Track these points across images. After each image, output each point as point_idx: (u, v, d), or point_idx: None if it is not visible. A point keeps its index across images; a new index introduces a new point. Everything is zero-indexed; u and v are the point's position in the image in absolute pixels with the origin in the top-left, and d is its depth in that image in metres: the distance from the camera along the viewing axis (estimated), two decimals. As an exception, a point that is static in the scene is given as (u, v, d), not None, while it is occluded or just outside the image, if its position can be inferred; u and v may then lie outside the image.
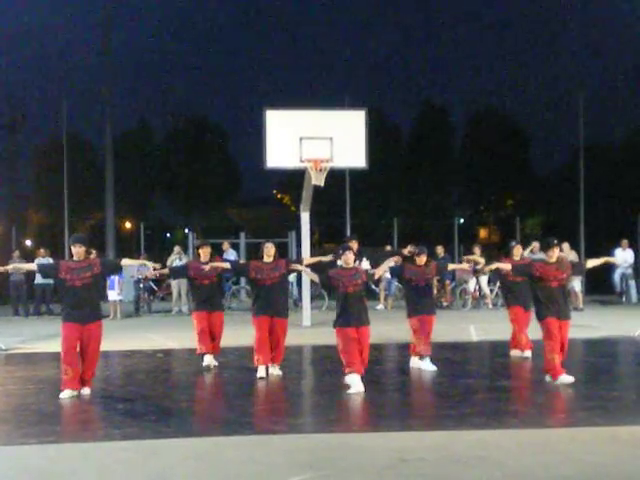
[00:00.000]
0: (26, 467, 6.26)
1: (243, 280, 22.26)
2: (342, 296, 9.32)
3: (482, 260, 11.90)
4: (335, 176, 18.96)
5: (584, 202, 26.11)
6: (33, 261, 20.72)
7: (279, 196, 48.09)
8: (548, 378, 9.60)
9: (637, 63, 56.55)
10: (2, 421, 7.98)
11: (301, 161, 15.94)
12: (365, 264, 11.59)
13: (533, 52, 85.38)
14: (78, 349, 9.10)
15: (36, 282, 20.61)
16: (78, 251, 9.15)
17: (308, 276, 10.95)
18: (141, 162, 39.20)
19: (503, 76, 79.71)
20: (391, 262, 10.50)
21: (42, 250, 21.07)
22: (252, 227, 39.79)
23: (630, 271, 22.11)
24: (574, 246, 20.97)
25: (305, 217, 17.35)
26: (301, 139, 15.84)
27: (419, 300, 10.78)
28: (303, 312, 17.18)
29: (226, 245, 22.24)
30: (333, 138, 15.90)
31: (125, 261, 10.05)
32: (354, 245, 11.55)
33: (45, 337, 14.86)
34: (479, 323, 16.52)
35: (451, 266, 13.35)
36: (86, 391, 9.19)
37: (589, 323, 15.62)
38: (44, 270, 10.14)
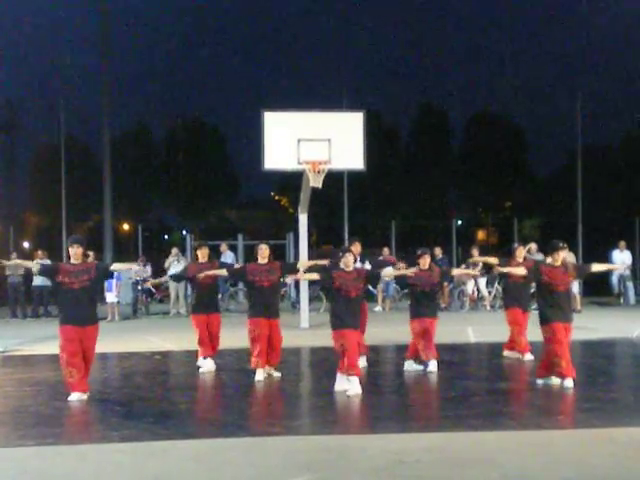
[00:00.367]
0: (24, 469, 6.26)
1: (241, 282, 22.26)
2: (344, 299, 9.30)
3: (495, 260, 11.77)
4: (333, 178, 18.97)
5: (582, 204, 26.12)
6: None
7: (277, 198, 48.08)
8: (540, 381, 9.58)
9: (635, 65, 56.56)
10: (0, 423, 7.98)
11: (299, 163, 15.93)
12: (367, 267, 11.57)
13: (531, 54, 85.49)
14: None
15: (34, 284, 20.60)
16: (76, 252, 9.14)
17: (306, 279, 10.94)
18: (139, 164, 39.20)
19: (501, 78, 79.73)
20: (409, 272, 10.62)
21: (40, 252, 21.03)
22: (250, 229, 39.82)
23: (628, 273, 22.11)
24: (572, 248, 20.97)
25: (303, 219, 17.35)
26: (299, 141, 15.84)
27: (422, 303, 10.79)
28: (301, 314, 17.18)
29: (224, 247, 22.24)
30: (331, 140, 15.89)
31: (115, 266, 10.02)
32: (356, 247, 11.55)
33: (43, 339, 14.85)
34: (477, 325, 16.52)
35: (455, 271, 13.22)
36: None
37: (587, 325, 15.62)
38: (44, 270, 10.00)
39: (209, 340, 11.14)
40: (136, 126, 41.76)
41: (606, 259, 22.83)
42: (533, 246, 19.27)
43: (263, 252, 10.49)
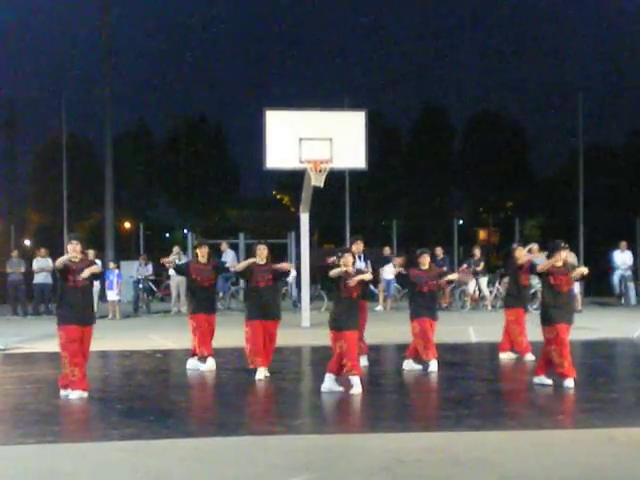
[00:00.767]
0: (24, 467, 6.26)
1: (242, 281, 22.28)
2: (347, 300, 9.26)
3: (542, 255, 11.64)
4: (335, 177, 18.97)
5: (583, 204, 26.11)
6: (32, 261, 20.80)
7: (278, 197, 48.09)
8: (537, 380, 9.55)
9: (637, 65, 56.54)
10: (0, 421, 7.98)
11: (301, 162, 15.94)
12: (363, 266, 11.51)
13: (533, 54, 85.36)
14: None
15: (35, 282, 20.61)
16: (75, 248, 9.14)
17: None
18: (141, 162, 39.20)
19: (503, 78, 79.69)
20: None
21: (42, 250, 21.05)
22: (251, 228, 39.79)
23: (629, 273, 22.10)
24: (573, 248, 20.96)
25: (304, 218, 17.35)
26: (301, 140, 15.84)
27: (421, 304, 10.79)
28: (302, 313, 17.18)
29: (224, 245, 22.24)
30: (333, 139, 15.90)
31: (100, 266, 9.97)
32: (359, 246, 11.50)
33: (43, 337, 14.85)
34: (478, 325, 16.51)
35: (452, 276, 13.04)
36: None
37: (588, 325, 15.61)
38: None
39: (209, 340, 11.14)
40: (138, 124, 41.77)
41: (607, 259, 22.87)
42: (535, 246, 19.23)
43: (261, 252, 10.45)
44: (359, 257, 11.35)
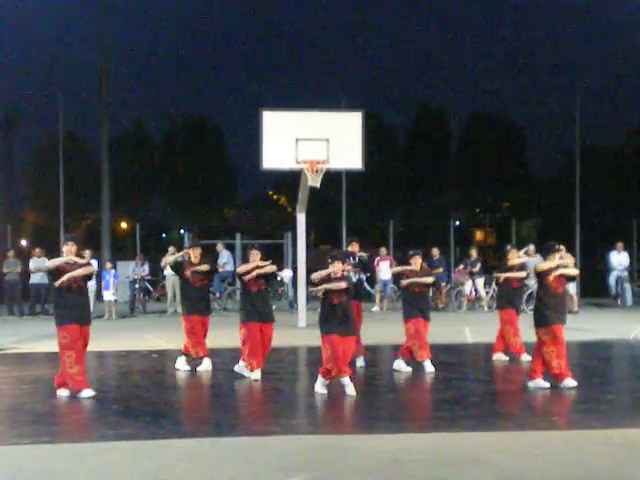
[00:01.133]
0: (20, 467, 6.25)
1: (239, 281, 22.25)
2: (330, 306, 9.24)
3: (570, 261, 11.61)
4: (331, 178, 18.96)
5: (580, 205, 26.14)
6: (28, 261, 20.76)
7: (275, 197, 48.12)
8: (532, 384, 9.54)
9: (635, 67, 56.67)
10: (-4, 421, 7.98)
11: (297, 162, 15.93)
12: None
13: (530, 55, 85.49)
14: None
15: (31, 282, 20.58)
16: (70, 249, 9.14)
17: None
18: (138, 162, 39.19)
19: (500, 79, 79.79)
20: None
21: (37, 250, 21.02)
22: (248, 228, 39.82)
23: (625, 274, 22.12)
24: (570, 249, 20.99)
25: (301, 218, 17.34)
26: (297, 140, 15.83)
27: (414, 305, 10.80)
28: (298, 314, 17.18)
29: (220, 246, 22.23)
30: (329, 139, 15.89)
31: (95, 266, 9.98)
32: (355, 247, 11.49)
33: (40, 337, 14.83)
34: (474, 325, 16.52)
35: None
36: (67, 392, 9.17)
37: (584, 326, 15.64)
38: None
39: (203, 341, 11.16)
40: (135, 125, 41.77)
41: (604, 260, 22.89)
42: (531, 247, 19.28)
43: (254, 257, 10.48)
44: (353, 258, 11.36)
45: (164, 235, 43.35)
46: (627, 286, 22.12)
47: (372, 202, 38.35)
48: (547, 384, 9.42)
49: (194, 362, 11.17)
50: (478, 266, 20.52)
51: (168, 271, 20.56)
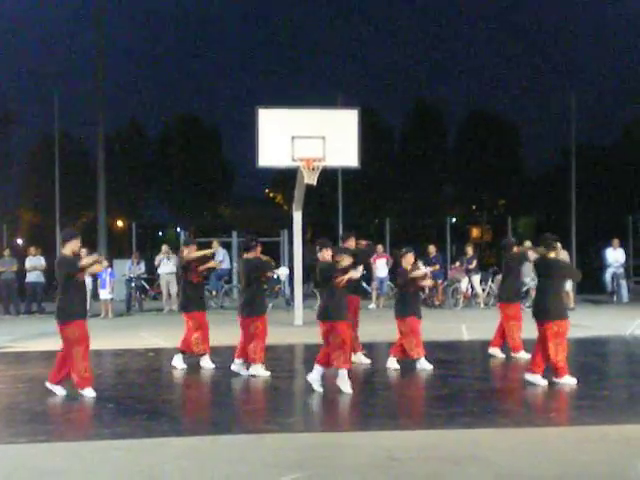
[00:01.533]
0: (16, 466, 6.25)
1: (235, 279, 22.27)
2: (337, 291, 9.28)
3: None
4: (327, 175, 18.96)
5: (576, 202, 26.17)
6: (24, 260, 20.74)
7: (271, 195, 48.11)
8: (531, 377, 9.51)
9: (629, 65, 56.74)
10: (-8, 420, 7.97)
11: (293, 160, 15.93)
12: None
13: (526, 53, 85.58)
14: None
15: (27, 280, 20.57)
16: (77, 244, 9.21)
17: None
18: (133, 161, 39.17)
19: (496, 77, 79.89)
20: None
21: (33, 249, 21.00)
22: (244, 226, 39.78)
23: (621, 271, 22.15)
24: (566, 246, 21.02)
25: (297, 216, 17.34)
26: (293, 138, 15.83)
27: (409, 302, 10.81)
28: (295, 311, 17.17)
29: (215, 244, 22.21)
30: (325, 137, 15.89)
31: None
32: (351, 242, 11.45)
33: (36, 336, 14.81)
34: (471, 322, 16.53)
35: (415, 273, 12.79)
36: (62, 391, 9.17)
37: (580, 322, 15.65)
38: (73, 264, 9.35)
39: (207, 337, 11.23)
40: (130, 123, 41.74)
41: (599, 257, 22.93)
42: (527, 244, 19.30)
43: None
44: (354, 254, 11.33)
45: (160, 233, 43.36)
46: (623, 283, 22.15)
47: (368, 200, 38.38)
48: (545, 381, 9.41)
49: (189, 359, 11.17)
50: (474, 263, 20.54)
51: (162, 270, 20.67)
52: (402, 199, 39.69)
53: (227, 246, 24.10)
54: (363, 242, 11.75)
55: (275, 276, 21.40)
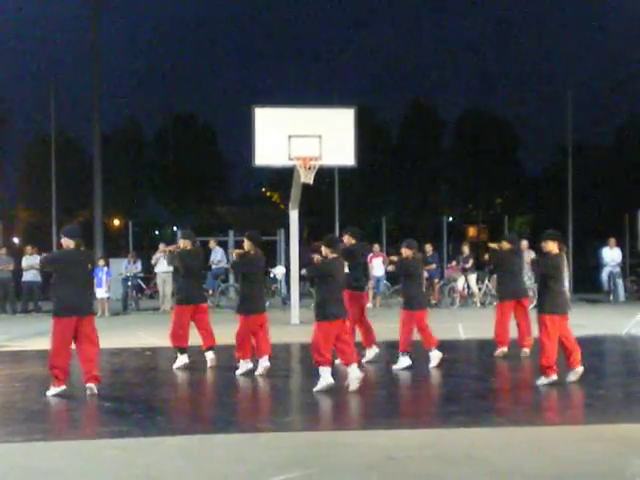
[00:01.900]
0: (12, 465, 6.24)
1: (232, 278, 22.25)
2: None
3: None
4: (324, 174, 18.96)
5: (572, 201, 26.19)
6: (21, 259, 20.72)
7: (268, 194, 48.11)
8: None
9: (627, 64, 56.80)
10: (-12, 419, 7.95)
11: (290, 159, 15.92)
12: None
13: (522, 51, 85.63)
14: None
15: (23, 279, 20.55)
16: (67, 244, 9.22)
17: None
18: (130, 160, 39.13)
19: (492, 75, 79.88)
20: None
21: (29, 247, 20.98)
22: (241, 225, 39.77)
23: (618, 270, 22.18)
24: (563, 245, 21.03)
25: (294, 215, 17.33)
26: (290, 137, 15.82)
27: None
28: (291, 310, 17.17)
29: (212, 243, 22.23)
30: (322, 136, 15.88)
31: None
32: (351, 239, 11.38)
33: (32, 335, 14.78)
34: (467, 321, 16.55)
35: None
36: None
37: (576, 322, 15.62)
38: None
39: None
40: (127, 122, 41.70)
41: (596, 256, 22.95)
42: (524, 243, 19.33)
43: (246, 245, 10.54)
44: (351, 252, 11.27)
45: (157, 232, 43.35)
46: (619, 282, 22.18)
47: (365, 198, 38.37)
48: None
49: (190, 359, 11.15)
50: (470, 262, 20.56)
51: (159, 268, 20.65)
52: (399, 198, 39.70)
53: (224, 245, 24.08)
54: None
55: (272, 275, 21.51)
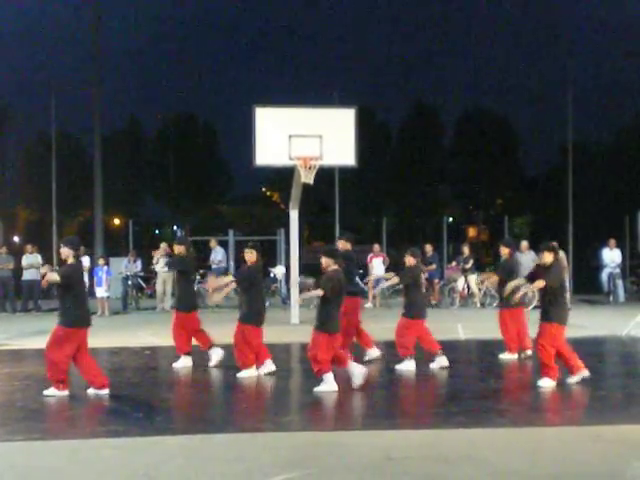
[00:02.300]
0: (11, 464, 6.23)
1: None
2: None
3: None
4: (324, 174, 18.96)
5: (572, 202, 26.19)
6: (21, 258, 20.72)
7: (268, 194, 48.08)
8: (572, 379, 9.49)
9: (627, 64, 56.79)
10: (-12, 418, 7.95)
11: (290, 159, 15.93)
12: None
13: (523, 52, 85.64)
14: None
15: (23, 278, 20.54)
16: (62, 251, 9.18)
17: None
18: (131, 159, 39.11)
19: (493, 76, 79.93)
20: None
21: (29, 246, 20.97)
22: (241, 224, 39.80)
23: (618, 271, 22.18)
24: (562, 246, 21.02)
25: (294, 215, 17.32)
26: (290, 137, 15.82)
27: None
28: (291, 310, 17.16)
29: (213, 243, 22.21)
30: (322, 136, 15.88)
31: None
32: (346, 245, 11.39)
33: (32, 334, 14.76)
34: (467, 322, 16.54)
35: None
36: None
37: (576, 323, 15.63)
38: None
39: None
40: (128, 121, 41.69)
41: (596, 257, 22.95)
42: (524, 244, 19.36)
43: (248, 255, 10.44)
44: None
45: (157, 231, 43.34)
46: (619, 283, 22.18)
47: (365, 199, 38.35)
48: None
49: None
50: (471, 263, 20.57)
51: (159, 268, 20.63)
52: (399, 198, 39.67)
53: (224, 245, 24.07)
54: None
55: (272, 275, 21.50)
